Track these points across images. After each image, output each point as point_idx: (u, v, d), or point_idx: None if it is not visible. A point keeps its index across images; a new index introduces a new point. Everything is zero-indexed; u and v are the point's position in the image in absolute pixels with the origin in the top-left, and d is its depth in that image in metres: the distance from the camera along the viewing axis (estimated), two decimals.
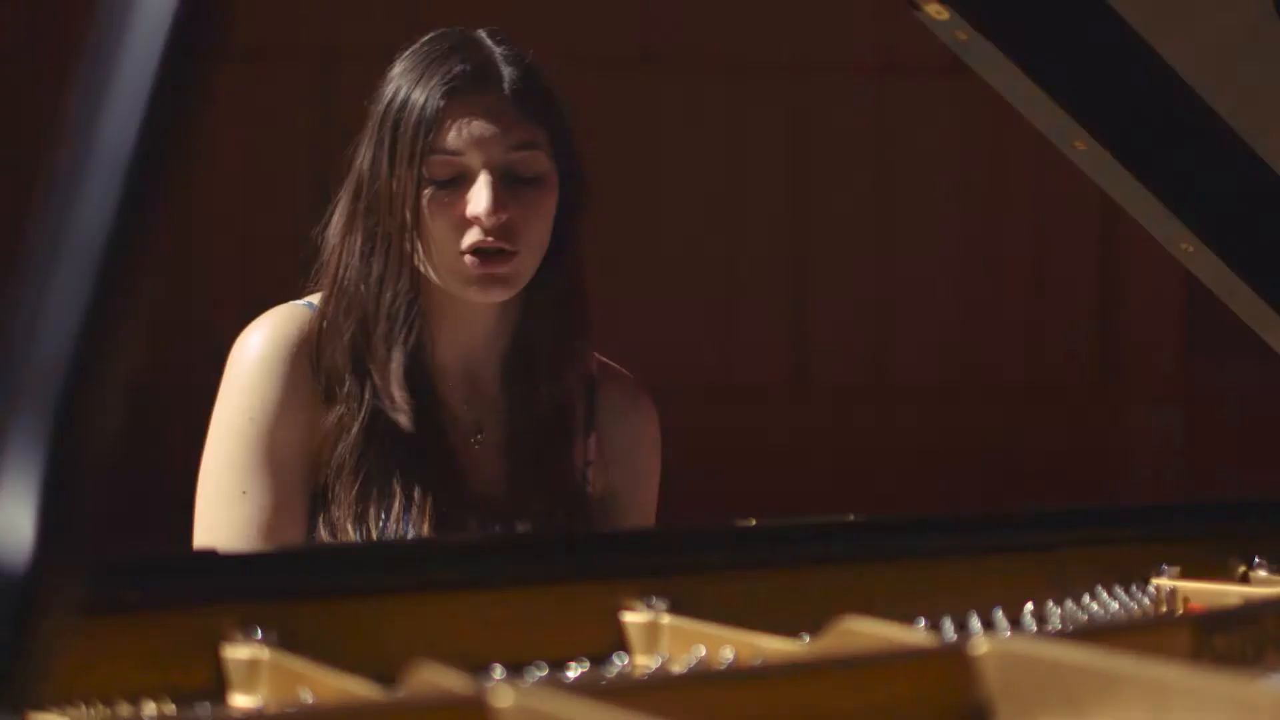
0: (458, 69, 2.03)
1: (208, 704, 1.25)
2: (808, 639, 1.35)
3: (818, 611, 1.38)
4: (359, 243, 2.05)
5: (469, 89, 2.03)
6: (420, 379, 2.06)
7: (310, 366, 2.05)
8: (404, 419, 2.02)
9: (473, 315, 2.08)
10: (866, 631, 1.25)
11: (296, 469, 2.02)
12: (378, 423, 2.03)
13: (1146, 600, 1.64)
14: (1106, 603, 1.61)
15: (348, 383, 2.04)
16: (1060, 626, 1.55)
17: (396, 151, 2.03)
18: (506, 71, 2.05)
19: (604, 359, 2.22)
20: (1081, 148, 1.74)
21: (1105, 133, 1.73)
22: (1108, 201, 1.86)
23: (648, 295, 4.67)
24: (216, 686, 1.27)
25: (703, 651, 1.34)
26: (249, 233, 4.75)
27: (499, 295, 2.05)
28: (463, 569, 1.44)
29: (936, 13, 1.63)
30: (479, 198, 2.01)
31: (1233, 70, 1.73)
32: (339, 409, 2.03)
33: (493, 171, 2.02)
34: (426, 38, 2.10)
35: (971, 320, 4.76)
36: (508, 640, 1.39)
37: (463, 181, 2.03)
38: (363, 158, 2.06)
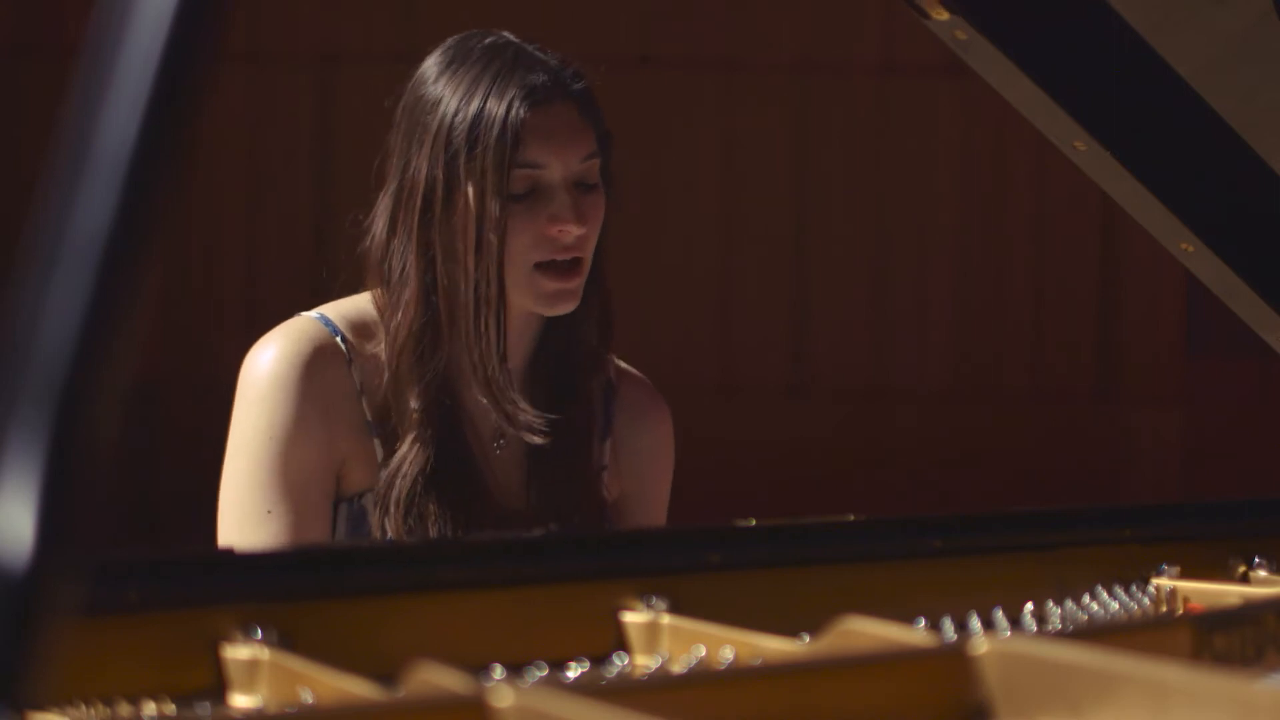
0: (538, 80, 2.01)
1: (208, 704, 1.25)
2: (808, 639, 1.35)
3: (818, 611, 1.37)
4: (439, 263, 2.02)
5: (549, 100, 2.01)
6: (445, 385, 2.05)
7: (328, 376, 2.03)
8: (536, 437, 2.02)
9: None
10: (866, 631, 1.25)
11: (319, 484, 2.01)
12: (429, 429, 2.02)
13: (1146, 600, 1.64)
14: (1106, 603, 1.61)
15: (423, 405, 2.01)
16: (1060, 626, 1.55)
17: (478, 165, 1.99)
18: (571, 81, 2.04)
19: (621, 363, 2.21)
20: (1081, 148, 1.74)
21: (1105, 133, 1.73)
22: (1108, 201, 1.86)
23: (647, 295, 4.67)
24: (216, 686, 1.27)
25: (703, 651, 1.34)
26: (250, 233, 4.75)
27: (568, 308, 2.03)
28: (463, 569, 1.44)
29: (936, 13, 1.63)
30: (564, 210, 1.99)
31: (1233, 70, 1.73)
32: (411, 433, 2.01)
33: (568, 182, 2.01)
34: (468, 42, 2.06)
35: (971, 321, 4.76)
36: (508, 640, 1.39)
37: (537, 194, 2.00)
38: (426, 171, 2.01)
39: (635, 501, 2.18)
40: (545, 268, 2.01)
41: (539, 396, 2.08)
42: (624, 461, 2.16)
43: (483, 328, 2.00)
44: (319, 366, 2.02)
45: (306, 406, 2.00)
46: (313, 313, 2.07)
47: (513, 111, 1.99)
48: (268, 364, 2.01)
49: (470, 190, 1.99)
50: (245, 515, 1.99)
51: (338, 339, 2.04)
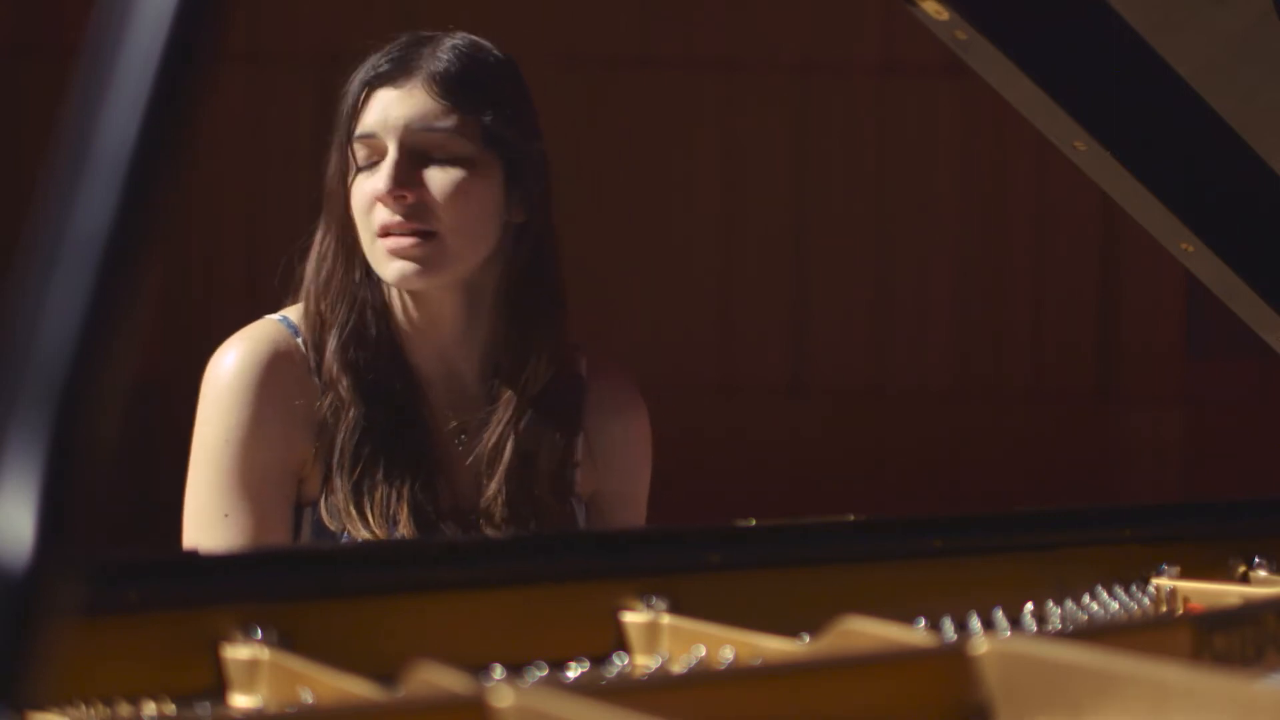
0: (383, 61, 2.06)
1: (208, 704, 1.25)
2: (808, 639, 1.35)
3: (818, 611, 1.38)
4: (319, 239, 2.09)
5: (387, 77, 2.05)
6: (399, 381, 2.05)
7: (287, 379, 2.04)
8: (344, 388, 2.03)
9: (437, 310, 2.07)
10: (866, 631, 1.25)
11: (277, 486, 2.02)
12: (370, 419, 2.03)
13: (1146, 600, 1.64)
14: (1106, 603, 1.61)
15: (333, 379, 2.04)
16: (1060, 626, 1.55)
17: (333, 145, 2.08)
18: (432, 61, 2.05)
19: (594, 355, 2.19)
20: (1081, 148, 1.74)
21: (1105, 133, 1.73)
22: (1108, 201, 1.86)
23: (648, 295, 4.67)
24: (216, 686, 1.27)
25: (703, 651, 1.34)
26: (250, 234, 4.75)
27: (416, 279, 2.02)
28: (463, 569, 1.44)
29: (936, 13, 1.63)
30: (384, 180, 2.02)
31: (1233, 70, 1.73)
32: (330, 403, 2.03)
33: (402, 151, 2.02)
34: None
35: (971, 321, 4.76)
36: (508, 640, 1.39)
37: (375, 165, 2.04)
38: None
39: (613, 497, 2.17)
40: (387, 235, 2.02)
41: (495, 392, 2.08)
42: (598, 456, 2.15)
43: (332, 297, 2.06)
44: (279, 369, 2.03)
45: (264, 410, 2.02)
46: (276, 315, 2.09)
47: (353, 89, 2.06)
48: (227, 368, 2.03)
49: (330, 168, 2.08)
50: (204, 519, 2.00)
51: (299, 340, 2.05)
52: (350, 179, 2.05)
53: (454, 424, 2.08)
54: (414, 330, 2.07)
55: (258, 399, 2.02)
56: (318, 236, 2.09)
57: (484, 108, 2.05)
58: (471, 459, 2.08)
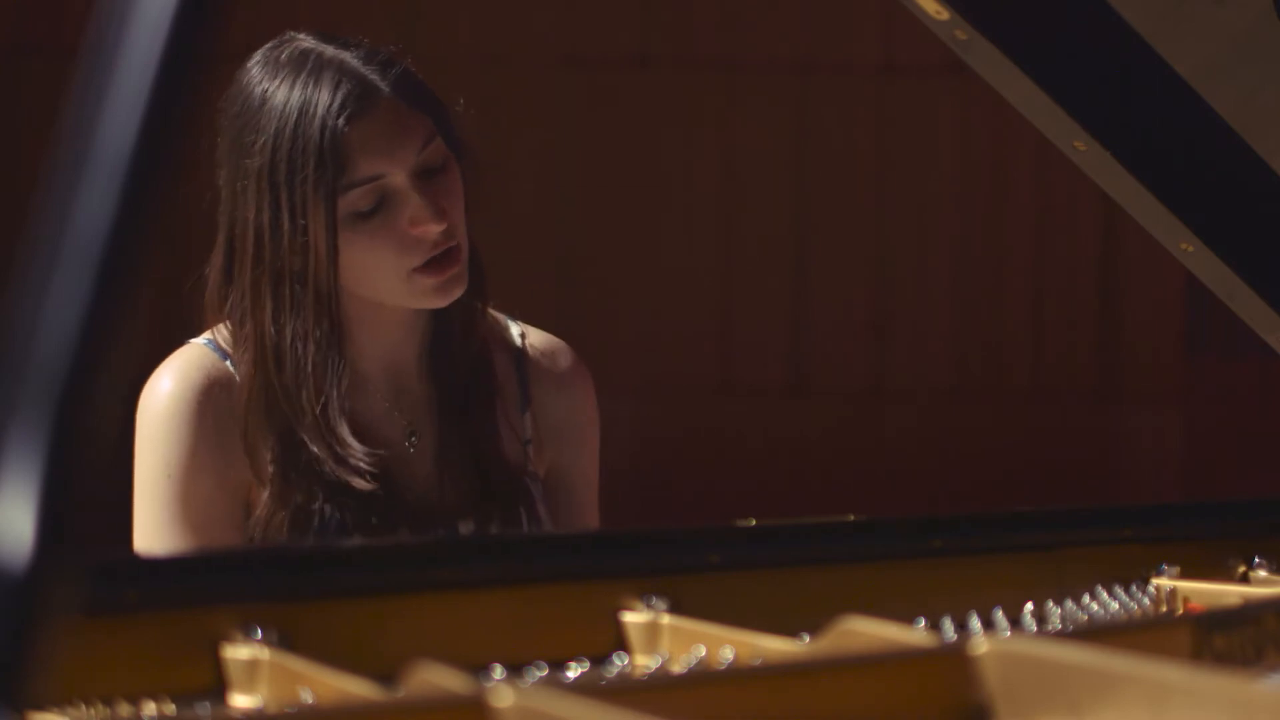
0: (347, 89, 1.93)
1: (208, 704, 1.25)
2: (808, 639, 1.35)
3: (818, 611, 1.38)
4: (269, 306, 1.97)
5: (364, 106, 1.93)
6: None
7: (221, 405, 1.98)
8: (364, 481, 1.97)
9: (393, 318, 2.03)
10: (866, 631, 1.25)
11: (223, 513, 1.99)
12: (306, 470, 1.98)
13: (1146, 600, 1.64)
14: (1106, 603, 1.62)
15: (277, 450, 1.98)
16: (1060, 626, 1.55)
17: (300, 201, 1.92)
18: (381, 75, 1.95)
19: (533, 330, 2.15)
20: (1081, 148, 1.74)
21: (1105, 133, 1.73)
22: (1108, 201, 1.87)
23: (647, 296, 4.67)
24: (216, 686, 1.27)
25: (703, 651, 1.34)
26: None
27: (458, 294, 1.98)
28: (463, 569, 1.44)
29: (936, 13, 1.63)
30: (420, 211, 1.93)
31: (1233, 70, 1.73)
32: (270, 471, 1.98)
33: (414, 178, 1.94)
34: (268, 65, 1.99)
35: (971, 321, 4.76)
36: (508, 640, 1.39)
37: (387, 201, 1.93)
38: (252, 215, 1.95)
39: (566, 469, 2.14)
40: (422, 268, 1.95)
41: (440, 380, 2.05)
42: (546, 431, 2.12)
43: (315, 374, 1.96)
44: (210, 396, 1.99)
45: (199, 439, 1.98)
46: (201, 339, 2.03)
47: (327, 135, 1.91)
48: (160, 399, 1.99)
49: (300, 228, 1.92)
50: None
51: (227, 363, 2.01)
52: (348, 228, 1.92)
53: (404, 425, 2.05)
54: (364, 345, 2.03)
55: (193, 429, 1.98)
56: (266, 302, 1.95)
57: (432, 101, 1.99)
58: (425, 455, 2.05)
